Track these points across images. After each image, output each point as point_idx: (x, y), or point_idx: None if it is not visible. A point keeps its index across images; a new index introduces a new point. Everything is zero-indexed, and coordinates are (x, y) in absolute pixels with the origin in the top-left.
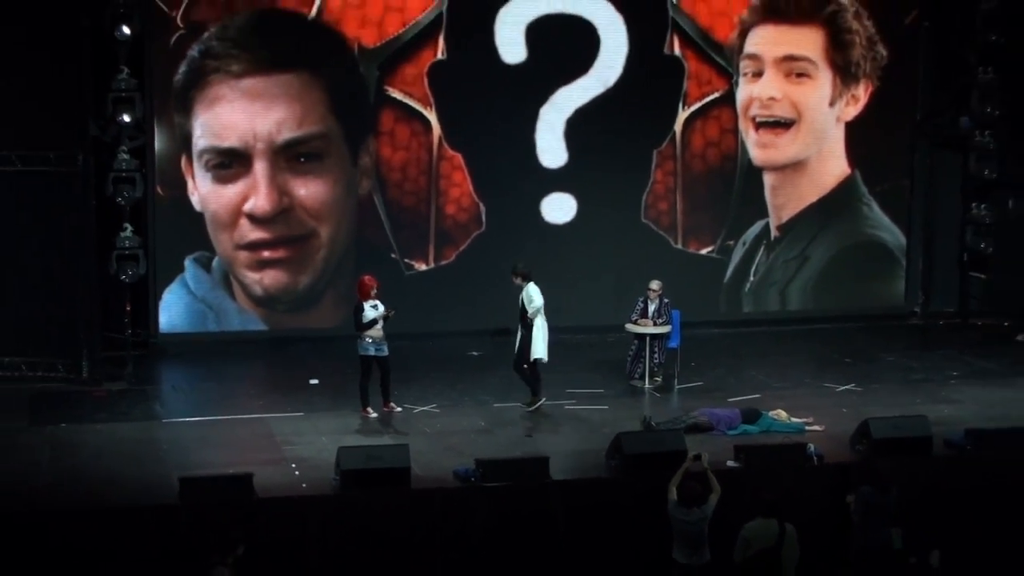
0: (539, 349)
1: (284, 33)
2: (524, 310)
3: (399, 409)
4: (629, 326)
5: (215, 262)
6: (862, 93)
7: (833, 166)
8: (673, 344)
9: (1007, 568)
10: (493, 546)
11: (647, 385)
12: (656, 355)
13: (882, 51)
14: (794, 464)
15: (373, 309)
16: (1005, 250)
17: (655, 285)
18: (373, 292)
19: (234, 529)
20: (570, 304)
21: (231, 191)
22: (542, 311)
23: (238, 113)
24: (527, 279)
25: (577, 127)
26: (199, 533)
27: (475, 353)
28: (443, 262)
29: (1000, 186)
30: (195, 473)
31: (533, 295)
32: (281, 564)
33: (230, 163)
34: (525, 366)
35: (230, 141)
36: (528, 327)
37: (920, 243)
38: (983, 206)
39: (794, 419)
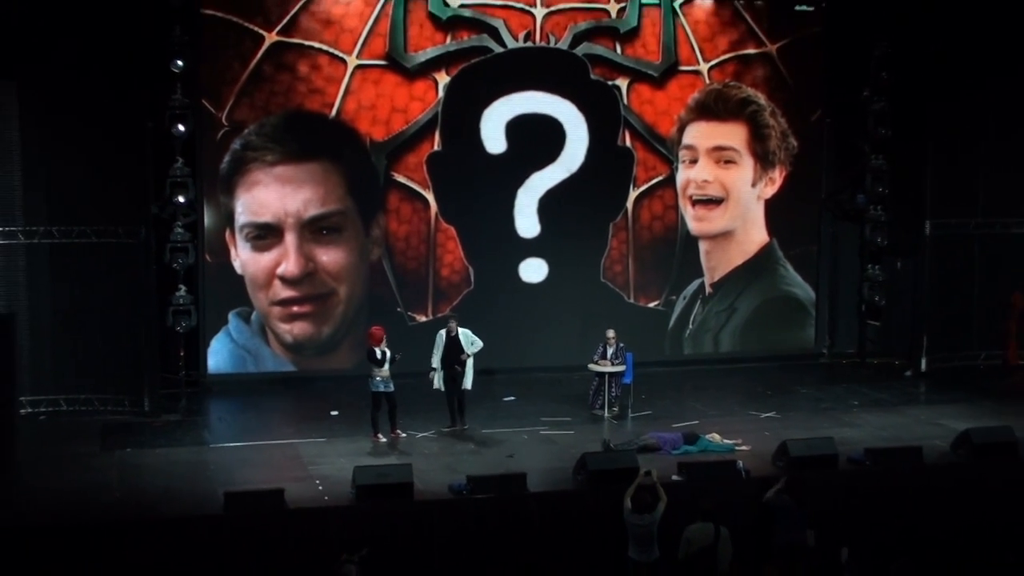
0: (470, 381)
1: (310, 130)
2: (461, 350)
3: (404, 435)
4: (591, 366)
5: (253, 316)
6: (778, 176)
7: (755, 235)
8: (627, 380)
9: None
10: (482, 548)
11: (606, 414)
12: (614, 389)
13: (793, 142)
14: (726, 478)
15: (383, 355)
16: (894, 302)
17: (611, 333)
18: (382, 340)
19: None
20: (542, 348)
21: (266, 258)
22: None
23: (272, 194)
24: (459, 325)
25: (548, 204)
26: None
27: (468, 386)
28: (439, 314)
29: (890, 251)
30: (237, 488)
31: (475, 337)
32: (308, 567)
33: (265, 235)
34: (455, 397)
35: (265, 217)
36: (463, 364)
37: (826, 297)
38: (876, 267)
39: (726, 441)
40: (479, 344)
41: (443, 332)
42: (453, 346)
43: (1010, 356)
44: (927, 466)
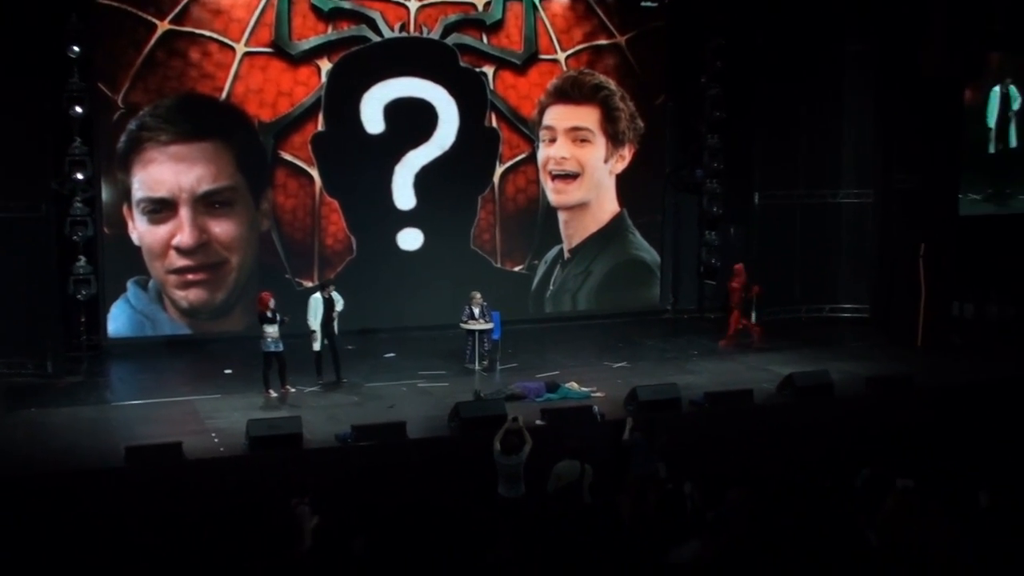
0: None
1: (201, 112)
2: (334, 310)
3: (293, 390)
4: (462, 325)
5: (151, 283)
6: (627, 153)
7: (608, 206)
8: (495, 336)
9: (737, 489)
10: (367, 491)
11: (477, 367)
12: (485, 344)
13: (640, 123)
14: (584, 421)
15: (271, 318)
16: (728, 264)
17: (476, 294)
18: (271, 304)
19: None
20: (418, 309)
21: (162, 230)
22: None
23: (167, 171)
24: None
25: (422, 180)
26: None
27: (349, 347)
28: (326, 278)
29: (724, 219)
30: (138, 443)
31: (340, 296)
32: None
33: (161, 209)
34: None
35: (161, 192)
36: (331, 324)
37: (670, 260)
38: (713, 233)
39: (583, 388)
40: (343, 302)
41: (319, 295)
42: (329, 308)
43: (731, 321)
44: (757, 407)
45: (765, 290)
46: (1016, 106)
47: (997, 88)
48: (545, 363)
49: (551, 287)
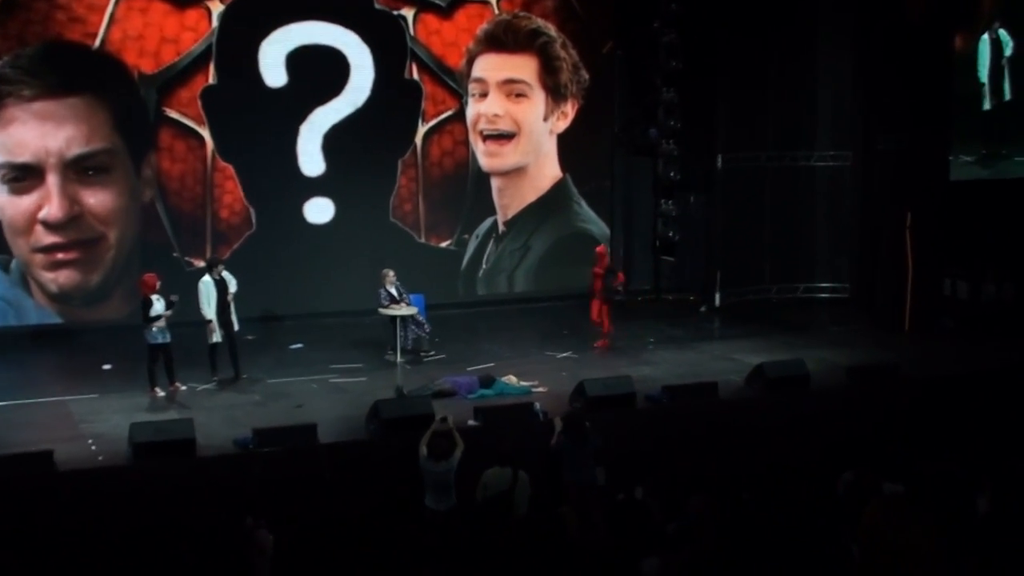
0: (236, 322)
1: (71, 62)
2: (227, 292)
3: (184, 388)
4: (382, 310)
5: (13, 264)
6: (570, 110)
7: (548, 171)
8: (423, 320)
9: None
10: (271, 503)
11: (399, 359)
12: (411, 332)
13: (585, 75)
14: (524, 420)
15: (158, 303)
16: (688, 238)
17: (391, 274)
18: (156, 287)
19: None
20: (330, 292)
21: (26, 201)
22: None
23: (31, 132)
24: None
25: (332, 141)
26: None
27: (250, 337)
28: (221, 260)
29: (683, 186)
30: (1, 452)
31: (231, 277)
32: (82, 531)
33: (24, 177)
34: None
35: (24, 157)
36: (228, 310)
37: (621, 233)
38: (670, 202)
39: (523, 383)
40: (235, 283)
41: (208, 278)
42: (222, 291)
43: (593, 313)
44: (723, 402)
45: (628, 281)
46: (1009, 52)
47: (986, 35)
48: (478, 354)
49: (484, 265)
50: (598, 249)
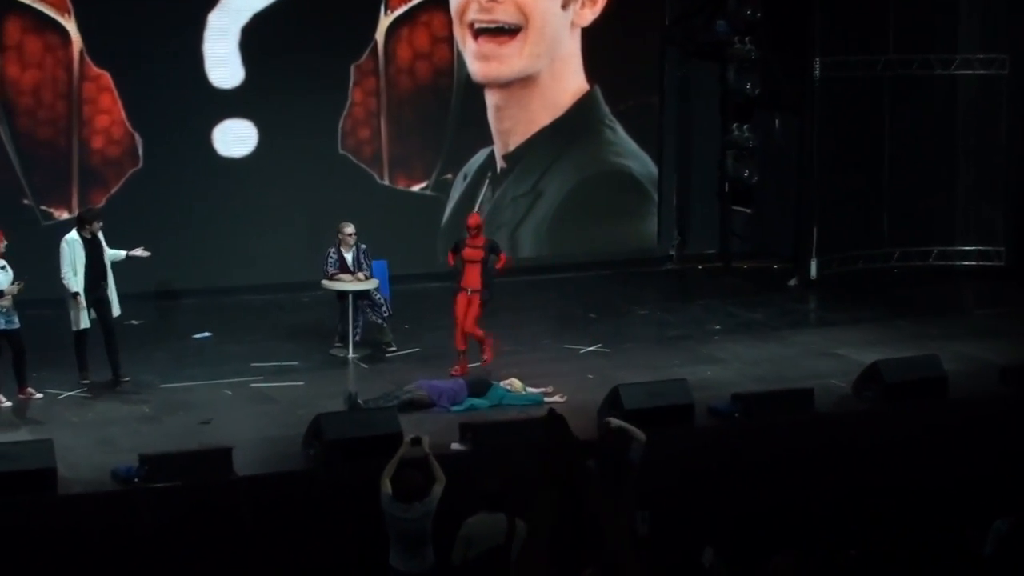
0: (117, 305)
1: None
2: (103, 260)
3: (39, 395)
4: (326, 283)
5: None
6: None
7: (569, 82)
8: (385, 296)
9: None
10: (163, 560)
11: (351, 354)
12: (369, 314)
13: None
14: (532, 444)
15: (1, 272)
16: (771, 179)
17: (349, 229)
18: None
19: None
20: (253, 258)
21: None
22: None
23: None
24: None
25: (254, 37)
26: None
27: (135, 322)
28: (88, 207)
29: (764, 104)
30: None
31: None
32: None
33: None
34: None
35: None
36: (107, 280)
37: (673, 172)
38: (745, 127)
39: (531, 389)
40: (120, 253)
41: (75, 236)
42: (94, 253)
43: (458, 314)
44: (821, 416)
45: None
46: None
47: None
48: (468, 346)
49: None
50: (470, 221)
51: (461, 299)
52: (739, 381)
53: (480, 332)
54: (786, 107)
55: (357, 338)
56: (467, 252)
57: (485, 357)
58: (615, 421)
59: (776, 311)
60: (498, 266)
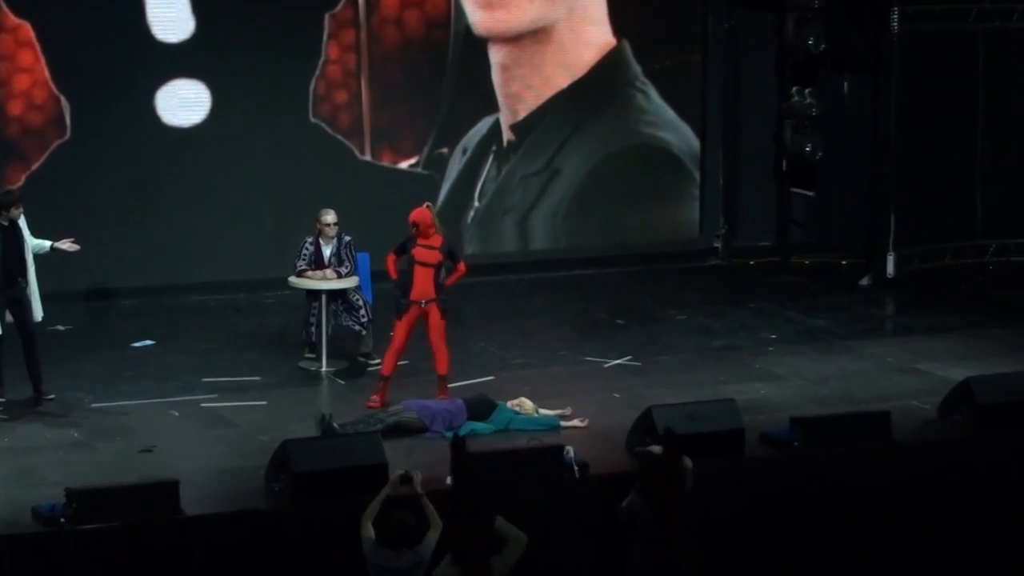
0: (39, 308)
1: None
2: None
3: None
4: (294, 280)
5: None
6: None
7: (591, 35)
8: (367, 299)
9: None
10: None
11: (324, 367)
12: (344, 318)
13: None
14: (545, 477)
15: None
16: (839, 155)
17: (329, 217)
18: None
19: None
20: (205, 250)
21: None
22: None
23: None
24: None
25: None
26: None
27: (61, 327)
28: (7, 188)
29: (831, 60)
30: None
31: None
32: None
33: None
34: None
35: None
36: (26, 275)
37: (718, 146)
38: (807, 91)
39: (544, 411)
40: (44, 243)
41: None
42: (12, 244)
43: (396, 340)
44: (900, 445)
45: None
46: None
47: None
48: (465, 358)
49: (476, 203)
50: (418, 217)
51: (411, 315)
52: (799, 402)
53: (445, 359)
54: (857, 67)
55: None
56: (419, 253)
57: (441, 372)
58: (659, 448)
59: (844, 316)
60: (449, 281)
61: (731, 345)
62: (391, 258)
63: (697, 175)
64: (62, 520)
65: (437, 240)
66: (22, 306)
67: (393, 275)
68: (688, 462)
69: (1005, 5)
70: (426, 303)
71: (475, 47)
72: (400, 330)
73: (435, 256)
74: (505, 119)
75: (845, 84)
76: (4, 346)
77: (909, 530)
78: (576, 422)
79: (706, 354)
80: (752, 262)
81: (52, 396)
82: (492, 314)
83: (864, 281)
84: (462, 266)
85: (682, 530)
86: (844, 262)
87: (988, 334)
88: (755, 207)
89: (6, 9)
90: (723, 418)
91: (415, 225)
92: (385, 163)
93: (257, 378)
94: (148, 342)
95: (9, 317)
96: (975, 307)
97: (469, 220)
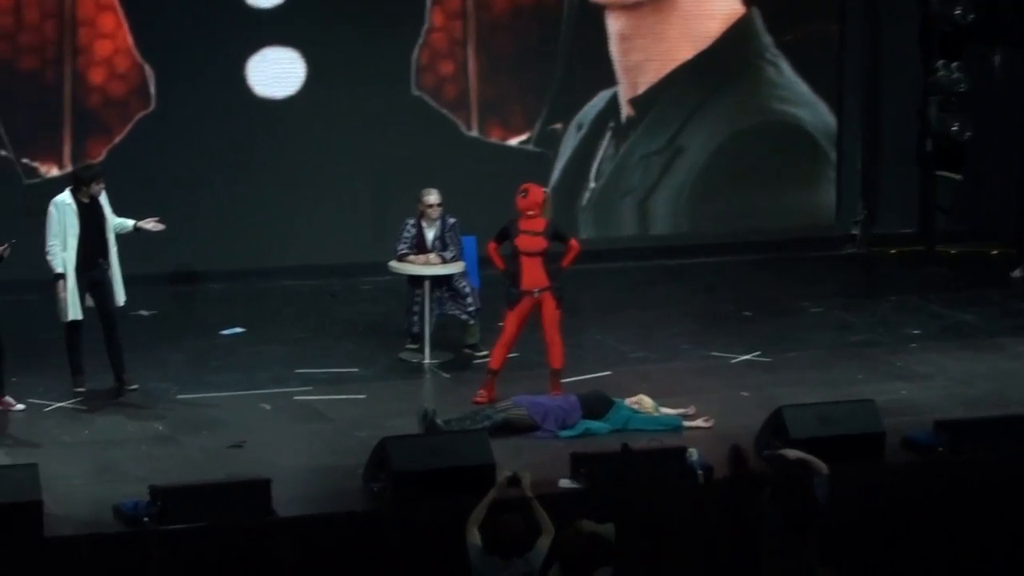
0: (122, 291)
1: None
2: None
3: (20, 407)
4: (395, 264)
5: None
6: None
7: (718, 2)
8: (474, 285)
9: None
10: None
11: (427, 359)
12: (450, 305)
13: None
14: (665, 481)
15: None
16: (990, 135)
17: (432, 198)
18: None
19: None
20: (299, 232)
21: None
22: None
23: None
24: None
25: None
26: None
27: (144, 313)
28: (87, 162)
29: (981, 33)
30: None
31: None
32: None
33: None
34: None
35: None
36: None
37: (857, 125)
38: (954, 65)
39: (665, 410)
40: (127, 222)
41: (67, 199)
42: (92, 223)
43: (507, 332)
44: None
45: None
46: None
47: None
48: (580, 351)
49: (592, 183)
50: (526, 199)
51: (523, 307)
52: (944, 404)
53: (559, 352)
54: (1009, 39)
55: (413, 329)
56: (522, 242)
57: (555, 367)
58: (792, 452)
59: (995, 311)
60: (566, 262)
61: (869, 341)
62: (492, 246)
63: (833, 156)
64: (145, 519)
65: (540, 224)
66: (103, 289)
67: (499, 264)
68: (824, 468)
69: None
70: (539, 292)
71: (591, 15)
72: (511, 322)
73: (540, 243)
74: (624, 93)
75: (996, 57)
76: (83, 332)
77: None
78: (700, 422)
79: (842, 350)
80: (893, 251)
81: (136, 386)
82: (609, 304)
83: (1016, 273)
84: (574, 243)
85: (814, 542)
86: (994, 252)
87: None
88: (897, 191)
89: None
90: (861, 420)
91: (526, 207)
92: (493, 140)
93: (355, 370)
94: (237, 329)
95: (89, 301)
96: None
97: (584, 202)
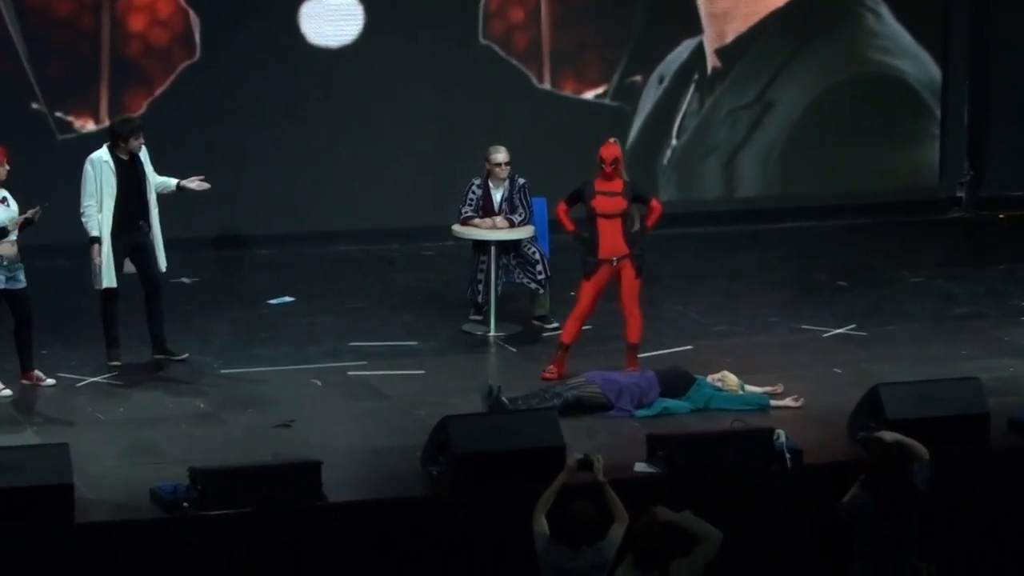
0: (163, 256)
1: None
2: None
3: (50, 381)
4: (458, 228)
5: None
6: None
7: None
8: (544, 252)
9: None
10: None
11: (492, 332)
12: (517, 273)
13: None
14: (751, 465)
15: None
16: None
17: (500, 156)
18: (3, 175)
19: None
20: (355, 192)
21: None
22: None
23: None
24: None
25: None
26: None
27: (186, 280)
28: (126, 115)
29: None
30: None
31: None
32: None
33: None
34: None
35: None
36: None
37: (965, 78)
38: None
39: (751, 388)
40: (169, 181)
41: (104, 156)
42: (132, 181)
43: (582, 304)
44: None
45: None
46: None
47: None
48: (659, 324)
49: (674, 141)
50: (604, 152)
51: (601, 275)
52: None
53: (637, 324)
54: None
55: (479, 298)
56: (600, 204)
57: (632, 340)
58: (890, 434)
59: None
60: (649, 223)
61: (975, 313)
62: (562, 208)
63: (938, 111)
64: (185, 504)
65: (618, 184)
66: (146, 253)
67: (568, 227)
68: (925, 452)
69: None
70: (618, 260)
71: None
72: (587, 292)
73: (619, 204)
74: (710, 42)
75: None
76: (119, 302)
77: None
78: (789, 401)
79: (944, 324)
80: (1002, 215)
81: (185, 355)
82: (691, 273)
83: None
84: (655, 203)
85: (912, 534)
86: None
87: None
88: (1007, 150)
89: None
90: (964, 400)
91: (607, 161)
92: (567, 93)
93: (413, 343)
94: (287, 299)
95: (127, 268)
96: None
97: (665, 161)
